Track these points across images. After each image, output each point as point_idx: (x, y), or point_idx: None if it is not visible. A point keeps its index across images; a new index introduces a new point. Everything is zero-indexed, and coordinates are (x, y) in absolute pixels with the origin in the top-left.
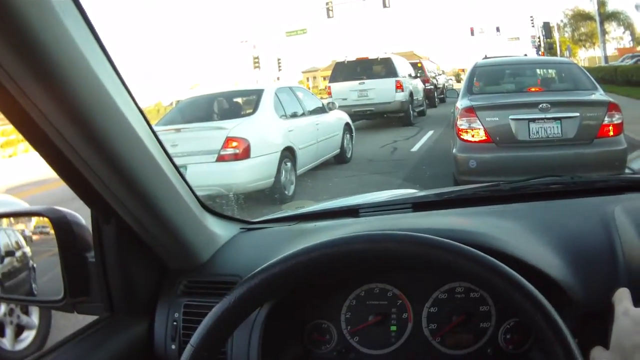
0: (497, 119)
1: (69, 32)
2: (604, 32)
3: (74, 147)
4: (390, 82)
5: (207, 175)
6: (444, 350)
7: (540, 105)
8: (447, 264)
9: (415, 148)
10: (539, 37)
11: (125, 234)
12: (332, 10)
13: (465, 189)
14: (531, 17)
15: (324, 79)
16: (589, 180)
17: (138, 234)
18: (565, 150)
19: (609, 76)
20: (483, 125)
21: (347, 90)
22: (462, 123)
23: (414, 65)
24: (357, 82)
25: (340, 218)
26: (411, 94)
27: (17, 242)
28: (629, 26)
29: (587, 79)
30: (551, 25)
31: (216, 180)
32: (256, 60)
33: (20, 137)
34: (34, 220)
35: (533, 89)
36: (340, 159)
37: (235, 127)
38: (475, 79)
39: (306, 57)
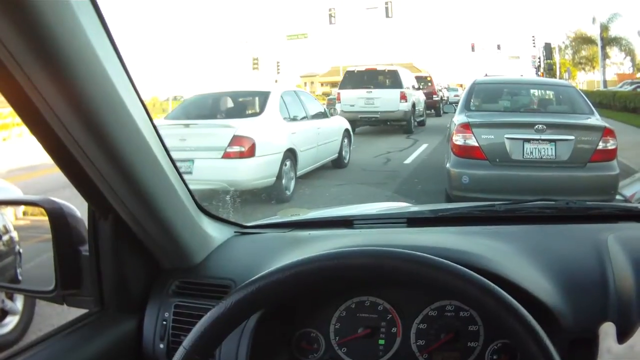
0: (493, 136)
1: (82, 26)
2: (604, 57)
3: (76, 140)
4: (395, 93)
5: (213, 170)
6: None
7: (536, 126)
8: (445, 285)
9: (408, 160)
10: (539, 58)
11: (121, 230)
12: (334, 17)
13: (461, 207)
14: (533, 37)
15: (322, 84)
16: (584, 207)
17: (134, 231)
18: (558, 172)
19: (607, 101)
20: (478, 142)
21: (355, 97)
22: (457, 138)
23: (423, 78)
24: (365, 90)
25: (334, 228)
26: (413, 105)
27: (4, 226)
28: (630, 52)
29: (585, 102)
30: (552, 46)
31: (221, 175)
32: (255, 61)
33: (16, 120)
34: (36, 208)
35: (530, 110)
36: (337, 163)
37: (242, 126)
38: (473, 95)
39: (305, 61)
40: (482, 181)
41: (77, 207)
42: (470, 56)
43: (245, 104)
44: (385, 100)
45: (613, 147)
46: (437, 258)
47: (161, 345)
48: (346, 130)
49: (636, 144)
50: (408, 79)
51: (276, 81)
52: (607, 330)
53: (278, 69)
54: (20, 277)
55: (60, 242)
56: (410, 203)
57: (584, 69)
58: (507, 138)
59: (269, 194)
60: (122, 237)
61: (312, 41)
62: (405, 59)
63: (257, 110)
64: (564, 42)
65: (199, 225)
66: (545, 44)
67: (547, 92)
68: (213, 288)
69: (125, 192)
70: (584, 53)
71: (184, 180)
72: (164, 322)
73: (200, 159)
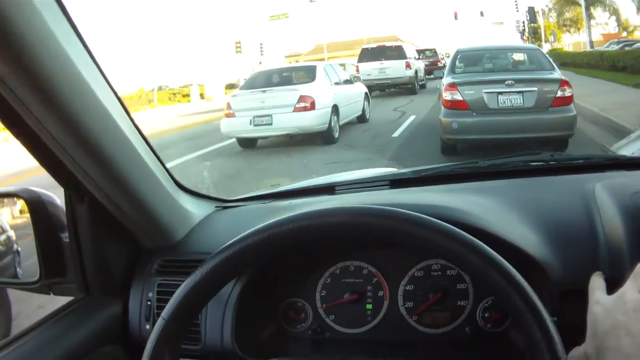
0: (473, 92)
1: (42, 14)
2: (589, 17)
3: (44, 125)
4: (401, 63)
5: (286, 121)
6: (421, 328)
7: (507, 82)
8: (424, 240)
9: (396, 133)
10: (523, 22)
11: (99, 213)
12: None
13: (443, 166)
14: (515, 1)
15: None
16: (569, 158)
17: (112, 213)
18: (525, 116)
19: (595, 61)
20: (462, 97)
21: (371, 68)
22: (446, 95)
23: (430, 49)
24: (378, 62)
25: (316, 195)
26: (416, 72)
27: (1, 227)
28: (614, 12)
29: (547, 61)
30: (535, 10)
31: (292, 124)
32: (238, 45)
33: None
34: (19, 204)
35: (502, 69)
36: (361, 118)
37: (304, 88)
38: (457, 61)
39: (289, 41)
40: (467, 126)
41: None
42: (453, 24)
43: (300, 74)
44: (394, 69)
45: (569, 94)
46: (414, 213)
47: (147, 326)
48: (366, 93)
49: (627, 103)
50: (410, 52)
51: (260, 63)
52: (596, 282)
53: (262, 51)
54: (20, 274)
55: (41, 231)
56: (395, 168)
57: (568, 30)
58: (485, 92)
59: (322, 137)
60: (100, 220)
61: (295, 21)
62: (389, 32)
63: (310, 78)
64: (547, 6)
65: (177, 202)
66: (529, 7)
67: (517, 55)
68: (195, 264)
69: (97, 174)
70: (567, 15)
71: (160, 159)
72: (149, 302)
73: (276, 114)
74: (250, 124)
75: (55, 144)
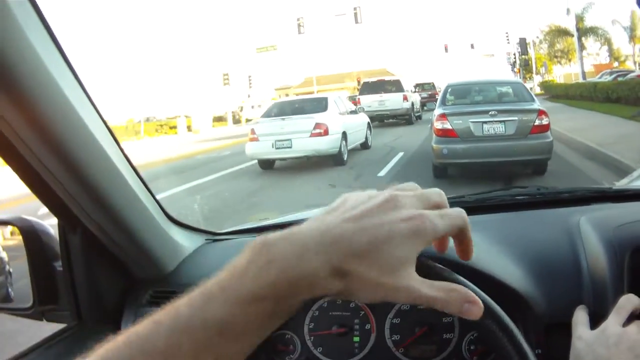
0: (461, 121)
1: (34, 46)
2: (581, 48)
3: (38, 157)
4: (399, 96)
5: (304, 145)
6: None
7: (490, 112)
8: None
9: (382, 172)
10: (514, 54)
11: (92, 243)
12: (303, 26)
13: None
14: (506, 33)
15: (297, 95)
16: (555, 192)
17: (104, 244)
18: (507, 142)
19: (588, 93)
20: (451, 126)
21: (371, 101)
22: (437, 124)
23: (428, 83)
24: (378, 95)
25: None
26: (412, 104)
27: None
28: (606, 41)
29: (528, 93)
30: (527, 41)
31: (309, 147)
32: (226, 77)
33: None
34: (10, 227)
35: (487, 101)
36: (364, 145)
37: (319, 117)
38: (447, 94)
39: (279, 74)
40: (456, 151)
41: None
42: (444, 57)
43: (314, 104)
44: (392, 102)
45: (546, 123)
46: None
47: None
48: (368, 123)
49: (624, 137)
50: (407, 85)
51: (249, 96)
52: (579, 316)
53: (250, 83)
54: (12, 296)
55: (35, 258)
56: None
57: (559, 62)
58: (471, 122)
59: (334, 159)
60: (92, 250)
61: (284, 53)
62: (378, 65)
63: (323, 107)
64: (537, 37)
65: (168, 234)
66: (520, 39)
67: (501, 87)
68: None
69: (89, 205)
70: (558, 46)
71: (150, 191)
72: None
73: (295, 138)
74: (272, 147)
75: (48, 175)
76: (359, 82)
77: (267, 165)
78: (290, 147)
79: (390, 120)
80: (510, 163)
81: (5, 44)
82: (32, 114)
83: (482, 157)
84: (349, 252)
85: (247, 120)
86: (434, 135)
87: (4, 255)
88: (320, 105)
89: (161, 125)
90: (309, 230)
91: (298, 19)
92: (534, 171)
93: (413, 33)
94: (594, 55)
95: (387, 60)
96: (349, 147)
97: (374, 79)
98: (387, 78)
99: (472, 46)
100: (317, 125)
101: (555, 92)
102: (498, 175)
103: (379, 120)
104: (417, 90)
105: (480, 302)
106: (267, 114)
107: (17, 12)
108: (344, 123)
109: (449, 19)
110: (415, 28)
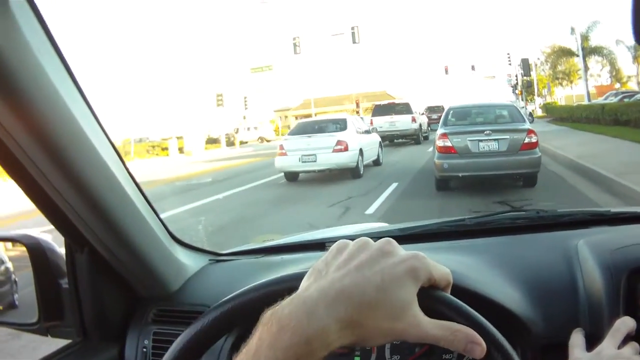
0: (460, 140)
1: (44, 69)
2: (586, 68)
3: (48, 178)
4: (408, 117)
5: (327, 159)
6: None
7: (485, 132)
8: None
9: (371, 210)
10: (516, 75)
11: (98, 262)
12: (299, 46)
13: (430, 223)
14: (508, 54)
15: (296, 118)
16: (555, 215)
17: (110, 263)
18: (500, 157)
19: (595, 115)
20: (451, 143)
21: (382, 122)
22: (439, 142)
23: (437, 106)
24: (389, 117)
25: (306, 252)
26: (420, 125)
27: (0, 259)
28: (609, 62)
29: (519, 114)
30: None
31: (332, 161)
32: (220, 97)
33: None
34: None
35: (483, 122)
36: (376, 162)
37: (340, 135)
38: (449, 115)
39: (277, 95)
40: (455, 166)
41: (60, 243)
42: (444, 79)
43: (335, 124)
44: (402, 123)
45: (534, 140)
46: None
47: None
48: (379, 142)
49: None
50: (415, 108)
51: (244, 117)
52: (575, 339)
53: (246, 105)
54: (17, 303)
55: (41, 276)
56: (386, 224)
57: (561, 84)
58: (469, 140)
59: (352, 172)
60: (99, 269)
61: (280, 73)
62: (378, 87)
63: (343, 127)
64: (538, 59)
65: (173, 255)
66: (522, 60)
67: (496, 110)
68: (190, 315)
69: (97, 225)
70: (559, 68)
71: (156, 212)
72: (144, 350)
73: (319, 153)
74: (299, 160)
75: (57, 194)
76: (357, 104)
77: (292, 177)
78: (315, 161)
79: (400, 140)
80: (503, 176)
81: (15, 66)
82: (40, 133)
83: (478, 171)
84: (357, 303)
85: (242, 143)
86: (436, 151)
87: (10, 265)
88: (340, 124)
89: (153, 147)
90: (314, 290)
91: (294, 39)
92: (524, 184)
93: (413, 55)
94: (596, 76)
95: (387, 83)
96: (365, 162)
97: (385, 102)
98: (397, 101)
99: (472, 68)
100: (339, 142)
101: (559, 115)
102: (493, 187)
103: (390, 140)
104: (426, 112)
105: (483, 343)
106: (294, 132)
107: (25, 32)
108: (360, 141)
109: (450, 40)
110: (415, 50)
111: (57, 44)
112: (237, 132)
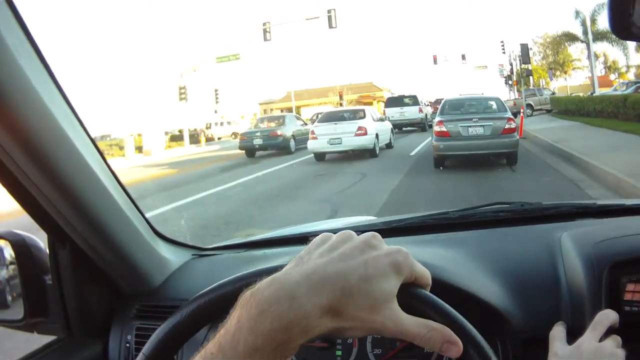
0: (453, 125)
1: (20, 64)
2: (593, 55)
3: (27, 174)
4: (416, 108)
5: (350, 141)
6: None
7: (473, 119)
8: None
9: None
10: (510, 64)
11: (80, 258)
12: (269, 32)
13: (414, 217)
14: (502, 42)
15: (281, 110)
16: (539, 207)
17: (92, 259)
18: (485, 140)
19: (612, 108)
20: (446, 128)
21: (394, 112)
22: (436, 128)
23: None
24: (399, 107)
25: (289, 246)
26: (426, 115)
27: None
28: (623, 48)
29: (502, 105)
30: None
31: (354, 143)
32: (182, 90)
33: None
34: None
35: (473, 112)
36: (388, 145)
37: (360, 122)
38: (445, 106)
39: (263, 88)
40: (448, 146)
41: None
42: (432, 69)
43: (355, 114)
44: (410, 113)
45: (513, 126)
46: None
47: None
48: (391, 128)
49: None
50: (422, 100)
51: (216, 111)
52: (556, 332)
53: (217, 98)
54: (9, 303)
55: (25, 272)
56: (372, 217)
57: (554, 74)
58: (460, 126)
59: (370, 152)
60: (81, 265)
61: (254, 65)
62: (364, 78)
63: (362, 116)
64: (531, 49)
65: (155, 250)
66: (522, 45)
67: (484, 102)
68: (172, 309)
69: (78, 222)
70: (552, 58)
71: (138, 208)
72: (127, 345)
73: (344, 137)
74: (328, 143)
75: (38, 192)
76: (340, 96)
77: (320, 157)
78: (340, 144)
79: (409, 128)
80: (488, 154)
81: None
82: (19, 131)
83: (467, 150)
84: (339, 290)
85: (209, 140)
86: (434, 135)
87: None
88: (360, 114)
89: (110, 145)
90: (296, 274)
91: (264, 24)
92: (507, 162)
93: (400, 45)
94: (589, 67)
95: (374, 74)
96: (380, 144)
97: (396, 95)
98: (406, 94)
99: (463, 57)
100: (360, 128)
101: (565, 107)
102: (481, 161)
103: (399, 127)
104: (433, 104)
105: (460, 343)
106: (322, 120)
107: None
108: (376, 127)
109: (439, 29)
110: (402, 39)
111: (36, 43)
112: (208, 128)
